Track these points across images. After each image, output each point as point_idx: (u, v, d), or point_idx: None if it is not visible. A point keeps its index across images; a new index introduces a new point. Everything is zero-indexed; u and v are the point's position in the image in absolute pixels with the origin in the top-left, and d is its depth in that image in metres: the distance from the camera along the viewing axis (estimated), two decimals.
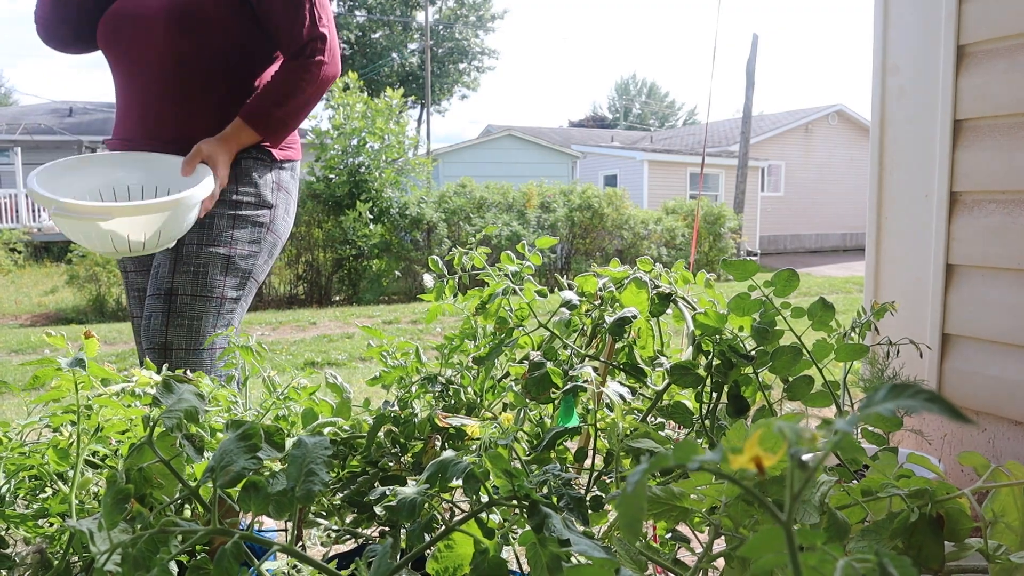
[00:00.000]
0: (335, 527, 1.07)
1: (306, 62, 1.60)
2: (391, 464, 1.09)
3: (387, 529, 0.99)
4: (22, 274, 13.18)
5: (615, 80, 58.55)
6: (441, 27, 31.96)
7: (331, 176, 10.61)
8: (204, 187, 1.43)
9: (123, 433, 1.04)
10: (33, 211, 17.94)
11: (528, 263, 1.07)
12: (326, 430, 1.12)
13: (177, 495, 0.73)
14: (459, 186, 11.50)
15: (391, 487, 0.68)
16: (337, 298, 10.85)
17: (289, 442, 0.66)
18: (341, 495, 1.02)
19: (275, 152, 1.69)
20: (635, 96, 56.57)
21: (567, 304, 0.91)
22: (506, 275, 1.03)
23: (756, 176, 19.79)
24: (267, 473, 0.53)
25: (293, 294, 10.89)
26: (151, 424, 0.61)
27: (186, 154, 1.53)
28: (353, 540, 1.19)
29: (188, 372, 1.56)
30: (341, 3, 32.38)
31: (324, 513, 1.08)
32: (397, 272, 10.79)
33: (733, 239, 14.04)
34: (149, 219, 1.32)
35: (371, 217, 10.50)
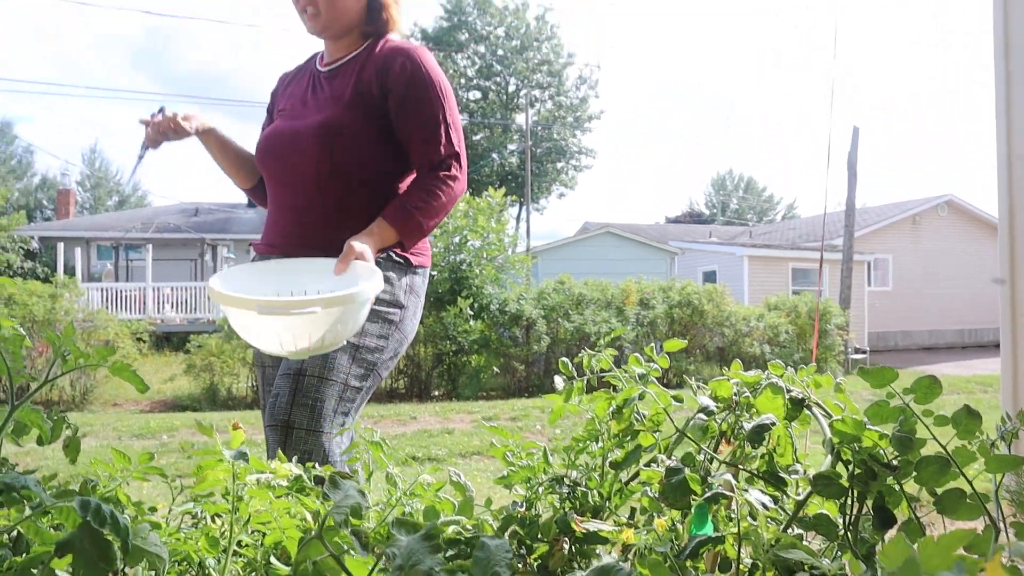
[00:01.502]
0: None
1: (443, 176, 1.74)
2: (519, 566, 1.10)
3: None
4: (145, 362, 13.99)
5: (711, 176, 58.67)
6: (540, 128, 33.08)
7: (433, 273, 10.95)
8: (377, 280, 1.46)
9: (264, 524, 1.09)
10: (157, 303, 19.19)
11: (655, 365, 1.09)
12: (450, 528, 1.14)
13: None
14: (558, 283, 11.62)
15: None
16: (436, 393, 10.99)
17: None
18: None
19: (411, 258, 1.79)
20: (732, 191, 56.38)
21: (704, 410, 0.92)
22: (633, 378, 1.05)
23: (862, 270, 19.16)
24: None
25: (394, 388, 11.10)
26: (321, 520, 0.65)
27: (329, 257, 1.63)
28: None
29: (307, 454, 1.64)
30: None
31: None
32: (496, 368, 10.88)
33: (840, 336, 13.52)
34: (327, 314, 1.35)
35: (471, 313, 10.71)
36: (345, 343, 1.55)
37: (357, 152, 1.73)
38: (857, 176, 16.52)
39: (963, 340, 21.10)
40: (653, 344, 1.17)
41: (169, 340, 17.38)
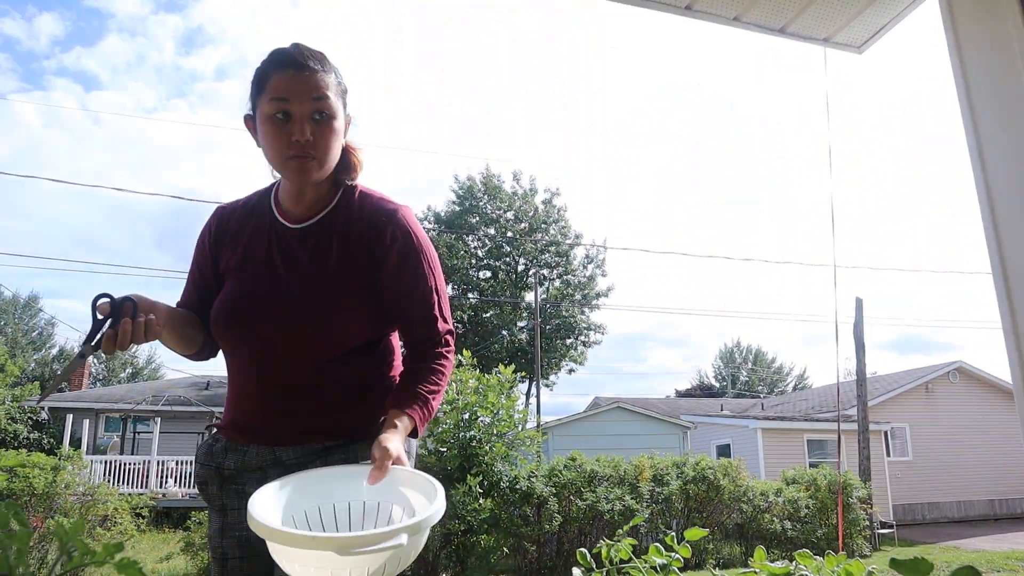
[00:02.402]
0: None
1: (443, 352, 1.63)
2: None
3: None
4: (142, 539, 13.49)
5: (719, 348, 58.90)
6: (548, 305, 33.70)
7: (442, 450, 10.76)
8: (442, 496, 1.27)
9: None
10: (161, 477, 18.80)
11: (677, 555, 1.06)
12: None
13: None
14: (569, 459, 11.39)
15: None
16: (444, 575, 10.48)
17: None
18: None
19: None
20: (741, 364, 56.37)
21: None
22: (653, 568, 1.02)
23: (879, 440, 18.77)
24: None
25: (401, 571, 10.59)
26: None
27: (308, 442, 1.52)
28: None
29: None
30: (456, 287, 34.97)
31: None
32: (506, 549, 10.42)
33: (864, 510, 13.01)
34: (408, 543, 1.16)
35: (481, 491, 10.42)
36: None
37: (347, 322, 1.55)
38: (865, 347, 16.58)
39: (995, 511, 20.23)
40: (673, 533, 1.14)
41: (169, 516, 16.87)
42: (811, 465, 16.62)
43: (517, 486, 10.61)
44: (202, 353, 1.70)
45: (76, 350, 1.37)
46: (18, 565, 0.69)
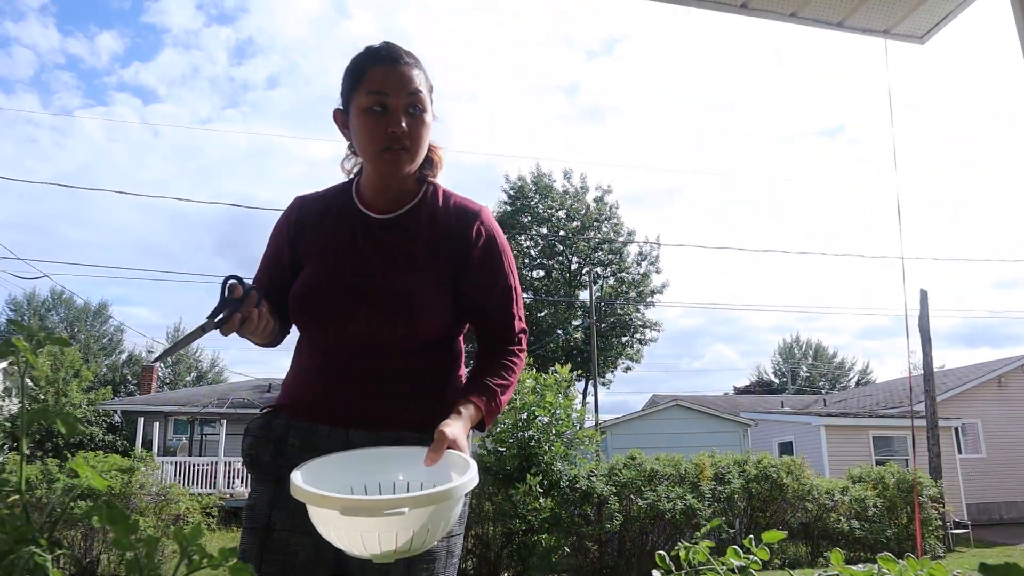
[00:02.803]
0: None
1: (517, 351, 1.66)
2: None
3: None
4: (212, 538, 13.87)
5: (777, 343, 57.77)
6: (603, 304, 33.57)
7: (501, 449, 10.83)
8: (472, 474, 1.30)
9: None
10: (228, 478, 19.34)
11: (754, 558, 1.07)
12: None
13: None
14: (628, 458, 11.35)
15: None
16: (506, 574, 10.55)
17: None
18: None
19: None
20: (800, 359, 55.24)
21: None
22: (731, 570, 1.04)
23: (950, 437, 18.20)
24: None
25: (463, 568, 10.70)
26: None
27: (382, 429, 1.54)
28: None
29: None
30: None
31: None
32: (567, 548, 10.44)
33: (935, 509, 12.64)
34: (418, 514, 1.21)
35: (541, 491, 10.45)
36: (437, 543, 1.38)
37: (429, 314, 1.58)
38: (931, 340, 16.09)
39: None
40: (736, 532, 1.16)
41: (236, 515, 17.34)
42: (877, 462, 16.22)
43: (577, 485, 10.62)
44: (276, 342, 1.71)
45: (201, 323, 1.37)
46: (146, 568, 0.75)
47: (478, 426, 1.57)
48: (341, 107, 1.64)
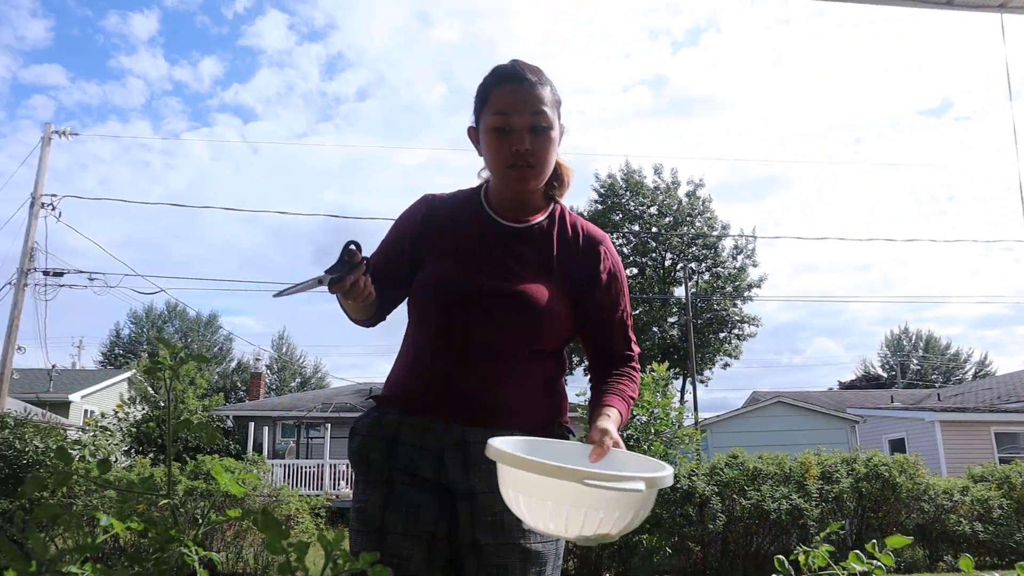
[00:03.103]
0: None
1: (635, 368, 1.74)
2: None
3: None
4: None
5: (884, 335, 55.26)
6: (699, 300, 32.95)
7: None
8: (670, 470, 1.29)
9: None
10: (333, 480, 20.02)
11: (878, 563, 1.05)
12: None
13: None
14: (730, 457, 11.10)
15: None
16: (607, 575, 10.50)
17: None
18: None
19: (571, 426, 1.76)
20: (910, 351, 52.68)
21: None
22: (852, 574, 1.02)
23: None
24: None
25: (564, 568, 10.71)
26: None
27: (498, 428, 1.54)
28: None
29: None
30: None
31: None
32: (668, 549, 10.31)
33: None
34: (643, 497, 1.21)
35: None
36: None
37: (557, 325, 1.64)
38: None
39: None
40: (845, 533, 1.13)
41: (343, 516, 17.91)
42: (1001, 461, 15.30)
43: (678, 485, 10.47)
44: (370, 322, 1.74)
45: (319, 275, 1.44)
46: (297, 569, 0.81)
47: (624, 419, 1.61)
48: (473, 124, 1.71)
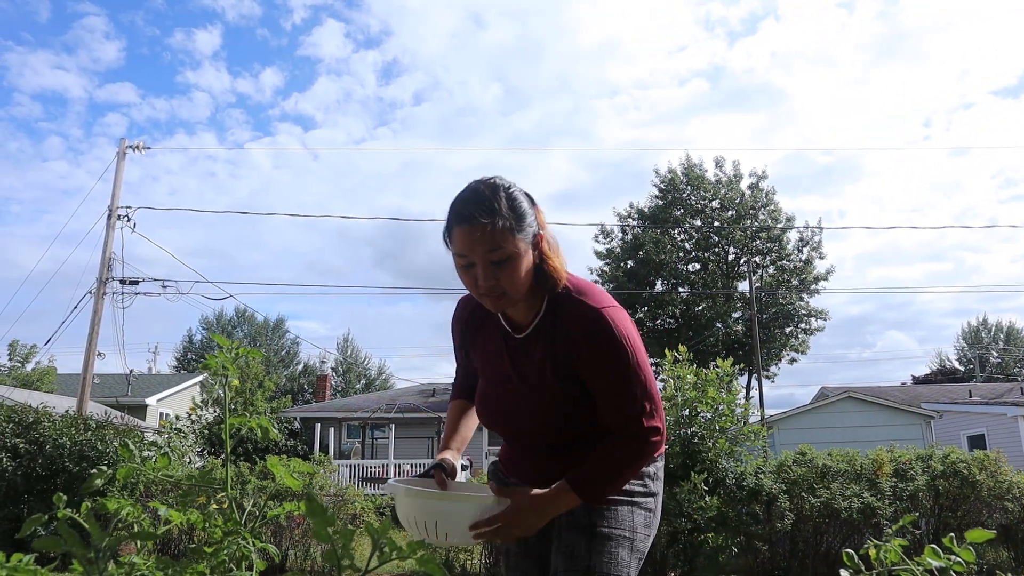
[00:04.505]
0: None
1: (632, 442, 1.74)
2: None
3: None
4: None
5: (961, 327, 53.18)
6: (763, 294, 32.27)
7: (664, 447, 10.65)
8: (482, 503, 1.67)
9: None
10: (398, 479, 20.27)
11: (957, 559, 1.00)
12: None
13: None
14: (798, 454, 10.83)
15: None
16: (672, 574, 10.36)
17: None
18: None
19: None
20: (990, 344, 50.62)
21: None
22: (929, 571, 0.97)
23: None
24: None
25: None
26: None
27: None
28: None
29: None
30: (664, 282, 34.46)
31: None
32: (734, 548, 10.11)
33: None
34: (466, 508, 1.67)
35: (706, 489, 10.19)
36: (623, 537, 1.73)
37: (570, 423, 1.79)
38: None
39: None
40: (922, 532, 1.08)
41: None
42: None
43: (744, 483, 10.27)
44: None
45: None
46: (343, 557, 0.81)
47: (592, 497, 1.71)
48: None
